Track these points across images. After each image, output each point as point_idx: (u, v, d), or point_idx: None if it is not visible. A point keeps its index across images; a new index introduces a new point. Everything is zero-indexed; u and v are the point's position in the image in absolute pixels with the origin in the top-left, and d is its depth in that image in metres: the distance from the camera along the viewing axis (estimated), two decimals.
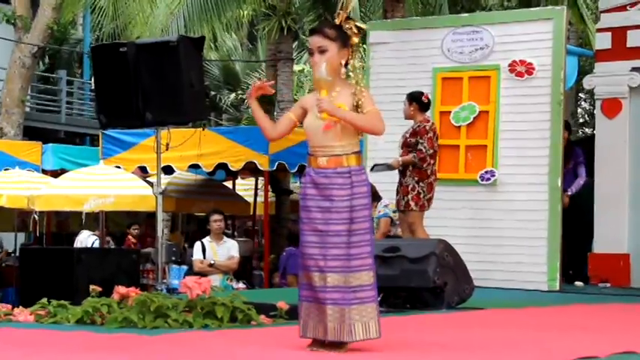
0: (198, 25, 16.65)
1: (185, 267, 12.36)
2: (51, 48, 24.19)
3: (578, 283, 10.30)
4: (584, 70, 14.39)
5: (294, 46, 20.08)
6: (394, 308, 6.81)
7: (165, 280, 10.29)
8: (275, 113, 16.66)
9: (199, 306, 5.81)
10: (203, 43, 8.98)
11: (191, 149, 11.44)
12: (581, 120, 29.56)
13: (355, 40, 4.49)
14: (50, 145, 16.13)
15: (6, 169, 14.43)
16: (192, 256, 11.27)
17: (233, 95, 28.97)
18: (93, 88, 10.06)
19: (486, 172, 9.78)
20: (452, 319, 6.42)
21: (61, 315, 6.11)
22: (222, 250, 10.91)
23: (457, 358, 4.55)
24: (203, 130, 10.92)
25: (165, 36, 14.86)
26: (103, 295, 6.32)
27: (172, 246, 13.86)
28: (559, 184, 9.52)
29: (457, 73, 10.06)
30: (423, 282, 6.95)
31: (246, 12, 19.86)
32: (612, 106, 10.67)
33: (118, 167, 12.93)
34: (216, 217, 11.02)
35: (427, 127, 8.72)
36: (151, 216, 14.34)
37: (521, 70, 9.77)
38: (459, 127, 9.96)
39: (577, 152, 10.61)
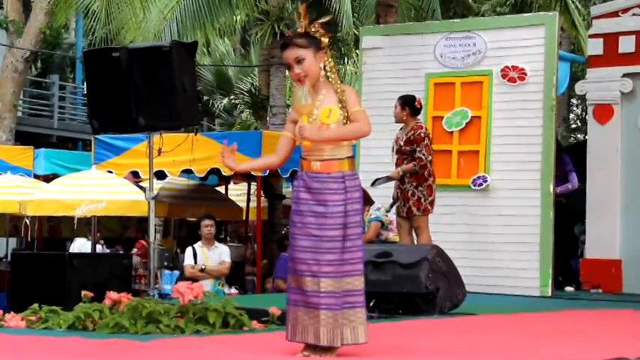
0: (191, 30, 16.65)
1: (177, 272, 12.34)
2: (43, 52, 24.17)
3: (569, 288, 10.31)
4: (576, 76, 14.44)
5: None
6: (386, 314, 6.80)
7: (157, 286, 10.27)
8: (268, 118, 16.67)
9: (191, 311, 5.80)
10: (196, 48, 8.97)
11: (184, 154, 11.42)
12: (573, 126, 29.63)
13: (326, 40, 4.51)
14: (42, 149, 16.09)
15: None
16: (183, 261, 11.27)
17: (226, 100, 28.97)
18: (85, 92, 10.06)
19: (479, 177, 9.79)
20: (444, 324, 6.42)
21: (52, 320, 6.09)
22: (213, 255, 10.90)
23: None
24: (196, 135, 10.90)
25: (158, 41, 14.85)
26: (95, 300, 6.30)
27: (165, 251, 13.84)
28: (551, 189, 9.53)
29: (450, 78, 10.08)
30: (415, 287, 6.94)
31: (239, 17, 19.87)
32: (604, 112, 10.69)
33: (111, 172, 12.90)
34: (207, 222, 11.02)
35: (422, 134, 8.70)
36: (142, 221, 14.34)
37: (514, 75, 9.79)
38: (452, 132, 9.98)
39: (565, 160, 10.58)
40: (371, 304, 6.76)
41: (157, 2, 16.73)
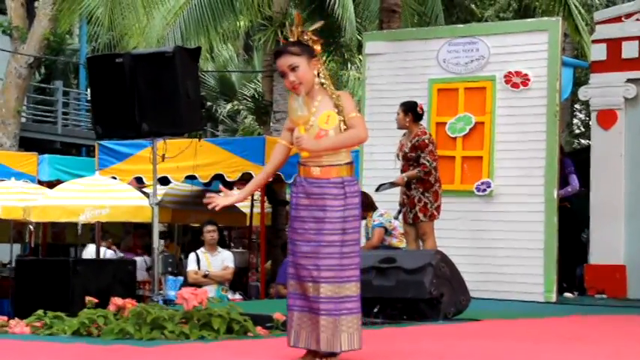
0: (195, 36, 16.67)
1: (181, 278, 12.34)
2: (47, 58, 24.21)
3: (568, 295, 10.29)
4: (579, 82, 14.45)
5: None
6: (390, 319, 6.80)
7: (161, 292, 10.28)
8: (271, 124, 16.67)
9: (196, 317, 5.80)
10: (199, 54, 8.99)
11: (187, 160, 11.43)
12: (576, 131, 29.62)
13: (318, 48, 4.53)
14: (46, 155, 16.10)
15: (2, 180, 14.41)
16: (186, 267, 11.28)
17: (229, 106, 28.97)
18: (89, 98, 10.07)
19: (482, 183, 9.79)
20: (448, 330, 6.42)
21: (56, 326, 6.09)
22: (216, 260, 10.92)
23: None
24: (199, 140, 10.91)
25: (162, 47, 14.87)
26: (99, 306, 6.30)
27: (168, 257, 13.83)
28: (555, 195, 9.53)
29: (453, 84, 10.08)
30: (419, 293, 6.94)
31: (242, 23, 19.88)
32: (608, 117, 10.69)
33: (114, 178, 12.91)
34: (209, 227, 11.03)
35: (426, 140, 8.72)
36: (138, 227, 14.32)
37: (517, 81, 9.80)
38: (455, 138, 9.98)
39: (566, 162, 10.64)
40: (375, 309, 6.77)
41: (161, 8, 16.76)
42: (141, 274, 12.72)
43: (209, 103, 28.37)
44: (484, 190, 9.76)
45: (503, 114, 9.81)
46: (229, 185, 15.05)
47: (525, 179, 9.62)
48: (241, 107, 25.05)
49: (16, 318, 6.57)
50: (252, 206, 15.19)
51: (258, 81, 24.35)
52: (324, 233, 4.38)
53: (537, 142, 9.61)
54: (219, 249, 11.19)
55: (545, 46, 9.71)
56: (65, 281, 9.39)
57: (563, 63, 10.09)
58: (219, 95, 29.72)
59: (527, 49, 9.82)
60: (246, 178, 12.55)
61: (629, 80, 10.59)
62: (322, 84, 4.51)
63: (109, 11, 16.40)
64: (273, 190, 14.54)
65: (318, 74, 4.51)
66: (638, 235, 10.37)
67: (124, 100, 8.38)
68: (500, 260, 9.54)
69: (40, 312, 6.32)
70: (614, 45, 10.68)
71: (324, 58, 4.59)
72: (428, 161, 8.63)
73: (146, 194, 12.21)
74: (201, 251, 10.97)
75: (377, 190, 8.93)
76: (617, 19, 10.79)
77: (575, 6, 17.16)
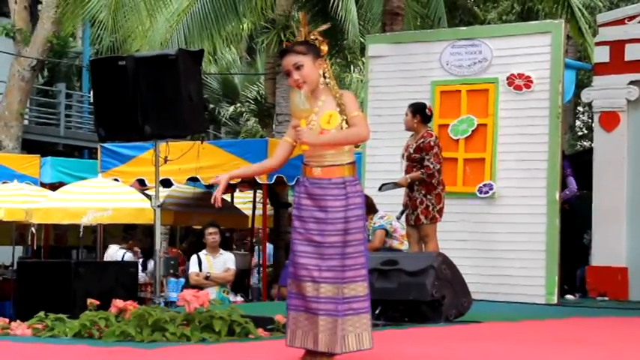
0: (198, 39, 16.66)
1: (183, 280, 12.35)
2: (50, 61, 24.24)
3: (570, 297, 10.27)
4: (582, 84, 14.42)
5: None
6: (392, 321, 6.80)
7: (163, 294, 10.28)
8: (274, 126, 16.67)
9: (197, 319, 5.80)
10: (202, 57, 8.98)
11: (190, 162, 11.44)
12: (579, 133, 29.61)
13: (325, 48, 4.53)
14: (49, 158, 16.13)
15: (4, 183, 14.43)
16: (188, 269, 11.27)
17: (232, 108, 28.97)
18: (92, 101, 10.07)
19: (485, 185, 9.79)
20: (450, 332, 6.42)
21: (58, 329, 6.10)
22: (218, 262, 10.92)
23: None
24: (202, 143, 10.92)
25: (165, 49, 14.87)
26: (101, 308, 6.31)
27: (170, 259, 13.83)
28: (557, 197, 9.53)
29: (456, 86, 10.08)
30: (421, 295, 6.94)
31: (245, 25, 19.89)
32: (610, 120, 10.69)
33: (117, 180, 12.93)
34: (211, 230, 11.04)
35: (432, 143, 8.68)
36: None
37: (520, 83, 9.80)
38: (458, 140, 9.98)
39: (563, 165, 10.59)
40: (377, 311, 6.76)
41: (164, 11, 16.75)
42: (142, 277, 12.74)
43: (212, 106, 28.37)
44: (486, 192, 9.75)
45: (505, 116, 9.80)
46: (231, 187, 15.09)
47: (528, 181, 9.62)
48: (244, 110, 25.04)
49: (17, 320, 6.58)
50: (254, 208, 15.20)
51: (261, 83, 24.35)
52: (326, 234, 4.38)
53: (540, 144, 9.61)
54: (221, 251, 11.19)
55: (548, 48, 9.71)
56: (67, 283, 9.41)
57: (565, 65, 10.08)
58: (222, 98, 29.74)
59: (530, 51, 9.81)
60: (248, 180, 12.58)
61: (631, 82, 10.59)
62: (327, 84, 4.51)
63: (112, 14, 16.40)
64: (275, 192, 14.54)
65: (324, 74, 4.52)
66: None
67: (126, 103, 8.38)
68: (502, 262, 9.53)
69: (41, 314, 6.33)
70: (617, 47, 10.68)
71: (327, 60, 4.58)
72: (432, 163, 8.61)
73: (148, 196, 12.23)
74: (203, 253, 10.97)
75: (380, 189, 8.90)
76: (621, 22, 10.79)
77: (579, 8, 17.13)
